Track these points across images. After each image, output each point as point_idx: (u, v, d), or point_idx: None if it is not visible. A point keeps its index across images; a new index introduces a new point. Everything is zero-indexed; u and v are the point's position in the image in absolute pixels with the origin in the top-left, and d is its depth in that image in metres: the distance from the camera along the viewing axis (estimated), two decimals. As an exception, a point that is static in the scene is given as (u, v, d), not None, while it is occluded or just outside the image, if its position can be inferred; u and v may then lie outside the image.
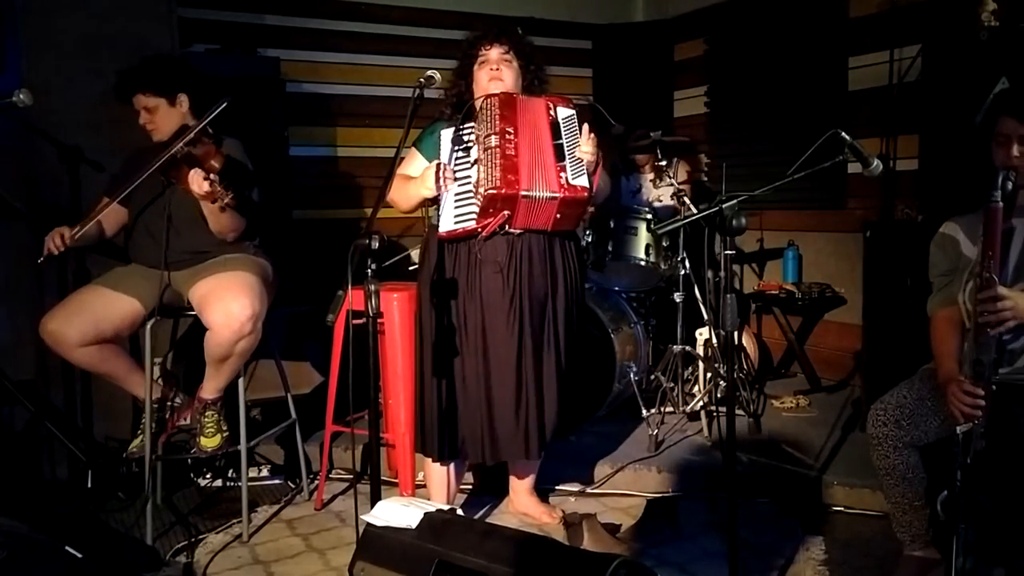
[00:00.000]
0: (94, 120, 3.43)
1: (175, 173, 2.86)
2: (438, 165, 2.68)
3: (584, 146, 2.72)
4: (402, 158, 2.68)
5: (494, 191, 2.61)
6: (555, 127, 2.75)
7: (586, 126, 2.76)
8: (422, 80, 2.57)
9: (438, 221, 2.73)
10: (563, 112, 2.78)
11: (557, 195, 2.66)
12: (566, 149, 2.72)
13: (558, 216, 2.71)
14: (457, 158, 2.73)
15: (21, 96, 2.96)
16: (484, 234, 2.71)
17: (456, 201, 2.69)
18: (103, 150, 3.35)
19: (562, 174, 2.68)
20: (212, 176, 2.71)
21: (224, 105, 2.84)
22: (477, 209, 2.66)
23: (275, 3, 4.75)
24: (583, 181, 2.71)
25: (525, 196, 2.64)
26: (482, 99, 2.75)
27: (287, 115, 4.38)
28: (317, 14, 4.86)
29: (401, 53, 5.02)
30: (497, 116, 2.69)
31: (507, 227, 2.71)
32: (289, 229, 4.30)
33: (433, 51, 4.79)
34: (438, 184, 2.66)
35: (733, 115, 5.24)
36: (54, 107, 3.34)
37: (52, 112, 3.32)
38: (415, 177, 2.78)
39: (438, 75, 2.62)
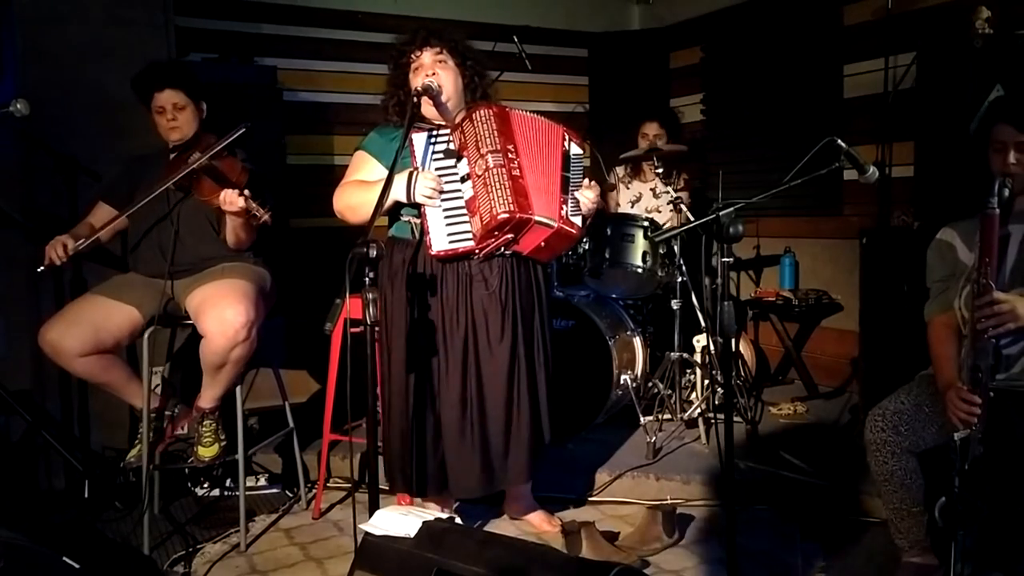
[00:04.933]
0: (91, 130, 3.44)
1: (195, 185, 2.86)
2: (412, 172, 2.53)
3: (588, 192, 2.73)
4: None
5: (507, 215, 2.49)
6: (566, 158, 2.71)
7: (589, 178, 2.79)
8: (419, 88, 2.56)
9: (412, 235, 2.65)
10: (575, 148, 2.76)
11: (554, 224, 2.58)
12: (571, 184, 2.70)
13: (542, 244, 2.63)
14: (441, 169, 2.59)
15: (18, 106, 2.97)
16: (481, 256, 2.63)
17: (447, 218, 2.57)
18: (100, 160, 3.35)
19: (564, 206, 2.64)
20: (246, 192, 2.72)
21: (243, 129, 2.82)
22: (471, 228, 2.56)
23: (272, 12, 4.76)
24: (578, 220, 2.70)
25: (539, 222, 2.56)
26: (474, 111, 2.61)
27: (284, 124, 4.39)
28: (314, 23, 4.87)
29: (398, 62, 5.02)
30: (496, 132, 2.56)
31: (504, 249, 2.64)
32: (286, 238, 4.30)
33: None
34: (410, 192, 2.51)
35: (729, 123, 5.25)
36: (51, 117, 3.34)
37: (49, 122, 3.33)
38: (372, 182, 2.60)
39: (435, 83, 2.60)
